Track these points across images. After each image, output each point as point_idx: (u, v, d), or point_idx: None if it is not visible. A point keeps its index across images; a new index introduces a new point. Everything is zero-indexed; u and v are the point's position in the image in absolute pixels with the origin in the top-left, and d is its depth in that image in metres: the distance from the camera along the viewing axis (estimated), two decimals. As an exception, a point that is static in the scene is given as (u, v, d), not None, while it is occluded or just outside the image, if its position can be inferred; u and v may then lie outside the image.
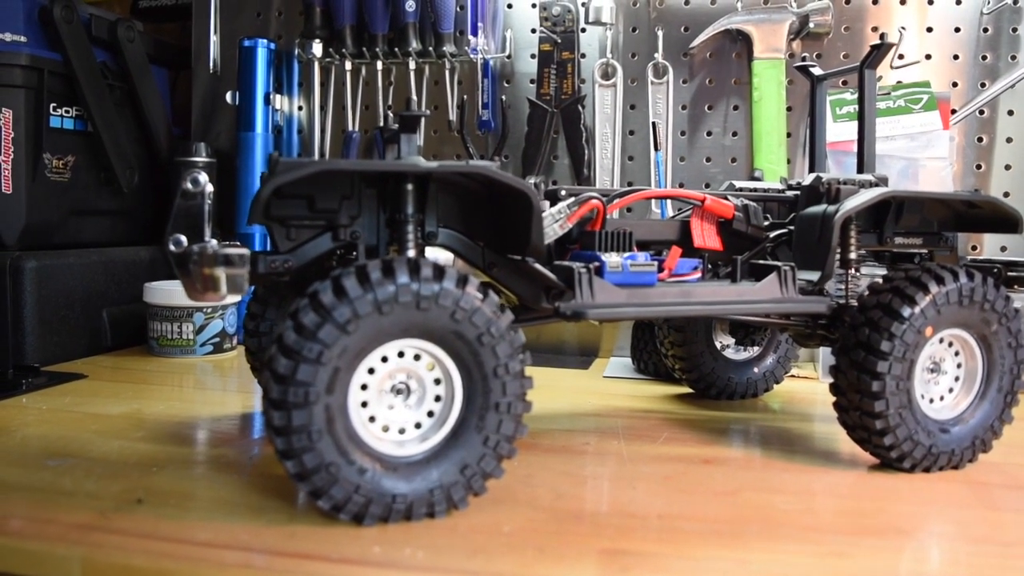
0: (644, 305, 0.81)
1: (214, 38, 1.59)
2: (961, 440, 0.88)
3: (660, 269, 0.86)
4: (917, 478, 0.85)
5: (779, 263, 0.88)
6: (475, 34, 1.47)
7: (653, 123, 1.35)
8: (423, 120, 0.84)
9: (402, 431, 0.72)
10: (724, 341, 1.20)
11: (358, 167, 0.71)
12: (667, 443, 0.97)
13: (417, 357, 0.72)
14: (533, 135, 1.49)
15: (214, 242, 0.79)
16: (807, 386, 1.30)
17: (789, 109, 1.41)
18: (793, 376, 1.32)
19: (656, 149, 1.34)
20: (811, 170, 1.10)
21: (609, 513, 0.74)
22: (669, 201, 1.34)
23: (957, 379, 0.90)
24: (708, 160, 1.46)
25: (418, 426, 0.73)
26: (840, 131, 1.33)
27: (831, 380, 0.88)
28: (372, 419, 0.71)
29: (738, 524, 0.72)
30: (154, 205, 1.60)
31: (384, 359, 0.71)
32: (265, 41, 1.55)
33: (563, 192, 0.92)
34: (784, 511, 0.75)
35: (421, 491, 0.70)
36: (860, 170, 1.02)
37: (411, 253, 0.80)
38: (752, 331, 1.16)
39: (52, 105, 1.36)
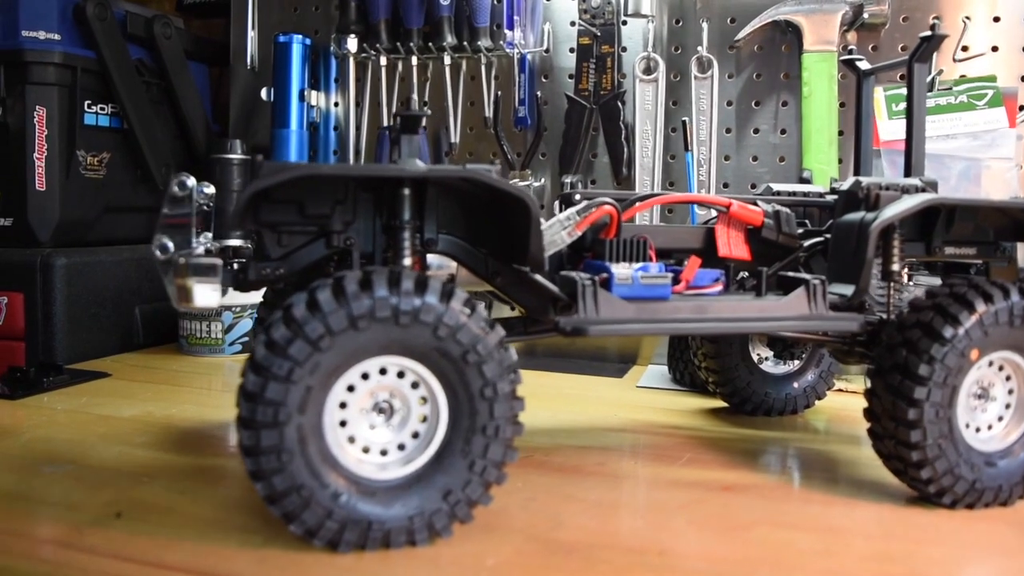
0: (654, 321, 0.75)
1: (252, 33, 1.58)
2: (1011, 475, 0.79)
3: (676, 281, 0.80)
4: (958, 516, 0.77)
5: (808, 276, 0.81)
6: (511, 28, 1.42)
7: (683, 122, 1.28)
8: (425, 119, 0.80)
9: (384, 452, 0.68)
10: (762, 353, 1.13)
11: (342, 172, 0.68)
12: (688, 465, 0.91)
13: (401, 375, 0.67)
14: (571, 132, 1.43)
15: (201, 249, 0.76)
16: (855, 402, 1.21)
17: (842, 105, 1.32)
18: (841, 391, 1.24)
19: (687, 149, 1.27)
20: (856, 172, 1.02)
21: (607, 547, 0.69)
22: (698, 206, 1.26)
23: (1008, 407, 0.82)
24: (754, 159, 1.38)
25: (402, 448, 0.68)
26: (897, 129, 1.23)
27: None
28: (352, 439, 0.67)
29: (745, 566, 0.66)
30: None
31: (365, 376, 0.66)
32: (300, 36, 1.53)
33: (577, 196, 0.86)
34: (800, 552, 0.69)
35: (400, 518, 0.66)
36: (907, 173, 0.93)
37: (407, 261, 0.75)
38: (791, 344, 1.09)
39: (87, 102, 1.36)
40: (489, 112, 1.47)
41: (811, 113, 1.29)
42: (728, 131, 1.39)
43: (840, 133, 1.31)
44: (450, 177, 0.70)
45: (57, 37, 1.31)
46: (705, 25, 1.37)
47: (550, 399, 1.19)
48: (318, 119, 1.57)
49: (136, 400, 1.10)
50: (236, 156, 1.52)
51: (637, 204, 0.84)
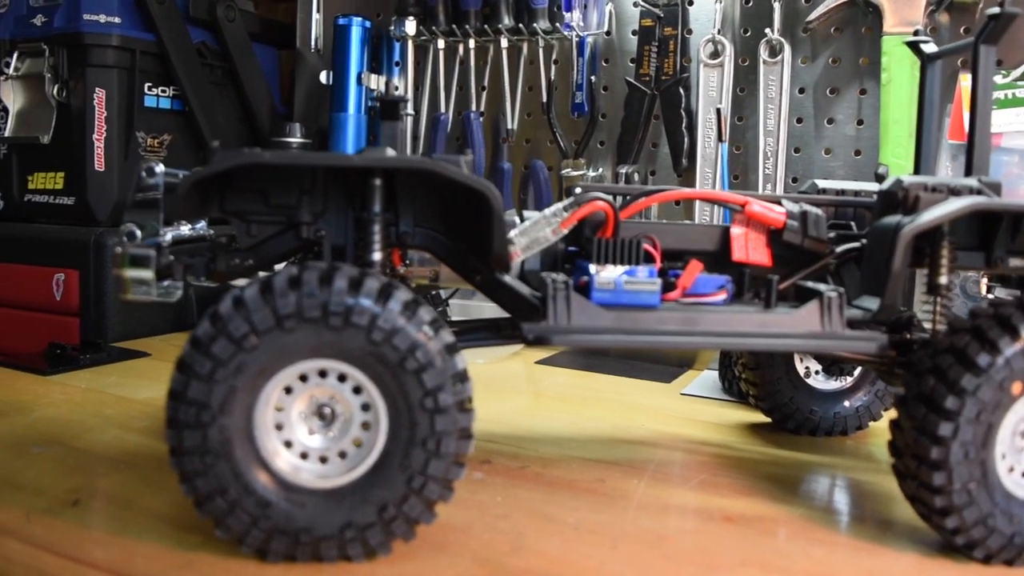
0: (633, 333, 0.68)
1: (317, 16, 1.57)
2: (1060, 530, 0.68)
3: (671, 287, 0.72)
4: (991, 573, 0.66)
5: (824, 287, 0.71)
6: (570, 9, 1.34)
7: (717, 110, 1.17)
8: (402, 105, 0.75)
9: (324, 460, 0.64)
10: (810, 366, 1.02)
11: (285, 161, 0.63)
12: (697, 488, 0.82)
13: (342, 378, 0.63)
14: (630, 120, 1.35)
15: (170, 236, 0.74)
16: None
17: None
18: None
19: (721, 140, 1.16)
20: (916, 170, 0.90)
21: (556, 579, 0.62)
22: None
23: (1064, 449, 0.70)
24: (827, 152, 1.26)
25: (343, 456, 0.64)
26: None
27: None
28: (288, 444, 0.63)
29: (704, 616, 0.58)
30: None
31: (303, 378, 0.62)
32: (360, 19, 1.50)
33: (578, 190, 0.79)
34: (776, 603, 0.60)
35: (330, 530, 0.61)
36: (968, 171, 0.81)
37: (376, 256, 0.71)
38: (839, 358, 0.98)
39: (147, 85, 1.38)
40: (545, 98, 1.40)
41: (890, 102, 1.16)
42: (799, 121, 1.27)
43: (924, 124, 1.18)
44: (400, 167, 0.65)
45: (117, 20, 1.33)
46: (777, 5, 1.25)
47: (578, 403, 1.13)
48: (377, 103, 1.54)
49: (158, 382, 1.10)
50: (295, 139, 1.53)
51: (639, 200, 0.76)
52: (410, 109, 1.50)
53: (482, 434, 0.97)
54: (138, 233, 0.74)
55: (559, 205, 0.73)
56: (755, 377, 1.01)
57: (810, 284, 0.74)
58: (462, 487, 0.78)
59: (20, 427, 0.90)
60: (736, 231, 0.78)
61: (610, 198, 0.74)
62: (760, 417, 1.07)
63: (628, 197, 0.78)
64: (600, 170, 1.40)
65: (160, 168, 0.76)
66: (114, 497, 0.73)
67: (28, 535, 0.65)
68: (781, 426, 1.02)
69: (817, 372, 1.02)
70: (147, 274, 0.63)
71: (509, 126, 1.44)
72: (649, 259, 0.75)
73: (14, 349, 1.34)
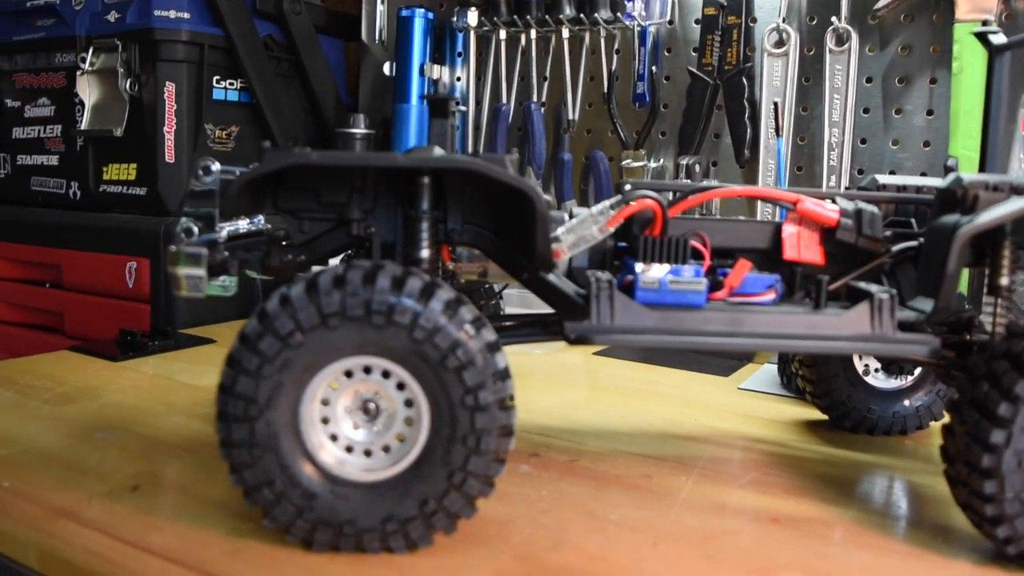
0: (677, 333, 0.67)
1: (381, 7, 1.59)
2: (1124, 544, 0.65)
3: (718, 287, 0.71)
4: (1046, 586, 0.64)
5: (875, 288, 0.70)
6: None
7: (774, 103, 1.14)
8: (452, 102, 0.75)
9: (368, 453, 0.65)
10: (870, 364, 1.00)
11: (331, 162, 0.65)
12: (746, 487, 0.82)
13: (386, 375, 0.64)
14: (692, 110, 1.33)
15: (226, 232, 0.76)
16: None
17: (998, 82, 1.13)
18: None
19: (778, 135, 1.13)
20: (981, 166, 0.87)
21: (593, 577, 0.63)
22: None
23: None
24: (895, 144, 1.22)
25: (387, 450, 0.65)
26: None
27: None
28: (334, 438, 0.65)
29: (742, 621, 0.58)
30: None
31: (348, 374, 0.64)
32: (423, 10, 1.51)
33: (627, 187, 0.79)
34: (818, 610, 0.60)
35: (373, 522, 0.63)
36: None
37: (425, 253, 0.72)
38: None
39: (215, 78, 1.42)
40: (606, 88, 1.39)
41: (961, 92, 1.12)
42: (866, 111, 1.24)
43: (998, 114, 1.13)
44: (445, 168, 0.66)
45: (186, 16, 1.37)
46: (844, -8, 1.22)
47: (634, 396, 1.12)
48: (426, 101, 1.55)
49: (223, 369, 1.14)
50: (359, 130, 1.55)
51: (689, 198, 0.75)
52: (461, 106, 1.50)
53: (533, 427, 0.98)
54: (195, 229, 0.77)
55: (606, 203, 0.73)
56: (812, 374, 0.99)
57: (862, 285, 0.72)
58: (508, 480, 0.80)
59: (88, 412, 0.94)
60: (788, 229, 0.76)
61: (658, 196, 0.73)
62: (817, 414, 1.05)
63: (678, 194, 0.77)
64: (661, 161, 1.38)
65: (216, 166, 0.78)
66: (173, 483, 0.76)
67: (89, 519, 0.68)
68: (838, 424, 1.00)
69: (876, 370, 1.00)
70: (199, 271, 0.66)
71: (570, 116, 1.43)
72: (698, 257, 0.75)
73: (89, 334, 1.40)
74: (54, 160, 1.53)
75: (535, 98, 1.46)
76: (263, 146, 0.72)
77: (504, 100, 1.48)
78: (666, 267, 0.70)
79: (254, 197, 0.72)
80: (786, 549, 0.69)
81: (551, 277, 0.70)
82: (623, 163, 1.37)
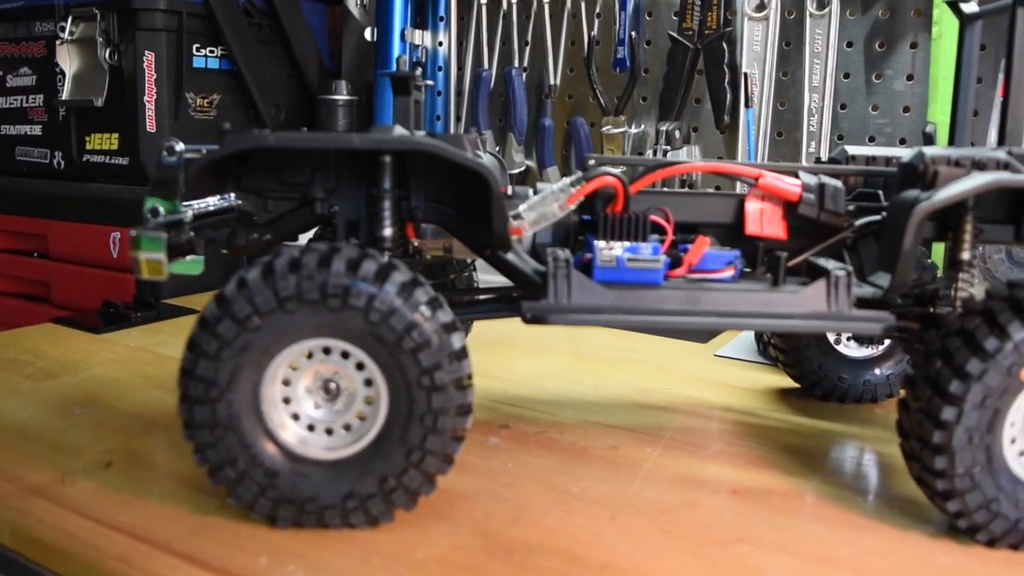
0: (634, 312, 0.68)
1: (362, -28, 1.57)
2: (1072, 516, 0.66)
3: (679, 263, 0.72)
4: (995, 558, 0.65)
5: (832, 265, 0.70)
6: (610, -40, 1.31)
7: (745, 74, 1.13)
8: (414, 80, 0.75)
9: (330, 432, 0.66)
10: (841, 333, 1.00)
11: (283, 144, 0.65)
12: (709, 458, 0.83)
13: (345, 355, 0.65)
14: (673, 76, 1.32)
15: (190, 213, 0.77)
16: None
17: (982, 48, 1.12)
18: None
19: (747, 106, 1.13)
20: (951, 141, 0.86)
21: (550, 552, 0.64)
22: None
23: (1083, 433, 0.68)
24: (875, 109, 1.22)
25: (348, 429, 0.66)
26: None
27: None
28: (296, 417, 0.66)
29: (688, 595, 0.59)
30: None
31: (308, 355, 0.65)
32: (403, -26, 1.50)
33: (591, 162, 0.79)
34: (766, 583, 0.61)
35: (334, 500, 0.64)
36: (1001, 140, 0.78)
37: (387, 232, 0.73)
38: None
39: (195, 46, 1.41)
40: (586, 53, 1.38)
41: (941, 58, 1.11)
42: (846, 76, 1.23)
43: (978, 81, 1.12)
44: (401, 149, 0.66)
45: (164, -17, 1.36)
46: (825, -46, 1.20)
47: (611, 364, 1.13)
48: (423, 59, 1.54)
49: (204, 340, 1.15)
50: (341, 97, 1.55)
51: (650, 174, 0.75)
52: (428, 80, 1.49)
53: (508, 397, 0.99)
54: (161, 210, 0.77)
55: (567, 180, 0.73)
56: (783, 343, 1.00)
57: (820, 261, 0.73)
58: (476, 453, 0.82)
59: (68, 387, 0.96)
60: (751, 204, 0.77)
61: (619, 172, 0.74)
62: (790, 382, 1.06)
63: (642, 169, 0.77)
64: (642, 127, 1.38)
65: (180, 146, 0.78)
66: (144, 459, 0.78)
67: (61, 497, 0.70)
68: (809, 393, 1.02)
69: (848, 339, 1.00)
70: (159, 255, 0.66)
71: (552, 82, 1.42)
72: (662, 232, 0.75)
73: (76, 304, 1.42)
74: (37, 130, 1.53)
75: (516, 63, 1.45)
76: (223, 127, 0.72)
77: (485, 65, 1.47)
78: (624, 245, 0.70)
79: (217, 178, 0.72)
80: (742, 522, 0.70)
81: (510, 256, 0.70)
82: (603, 129, 1.37)
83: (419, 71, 0.76)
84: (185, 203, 0.75)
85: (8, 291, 1.58)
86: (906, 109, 1.20)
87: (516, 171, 1.47)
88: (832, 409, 0.99)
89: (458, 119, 1.51)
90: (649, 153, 1.32)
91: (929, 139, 1.03)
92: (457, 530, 0.67)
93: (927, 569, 0.64)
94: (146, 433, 0.84)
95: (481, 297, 0.86)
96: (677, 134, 1.30)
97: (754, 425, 0.93)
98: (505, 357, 1.15)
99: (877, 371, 1.00)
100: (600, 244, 0.70)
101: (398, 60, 1.41)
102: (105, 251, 1.39)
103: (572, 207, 0.73)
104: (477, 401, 0.95)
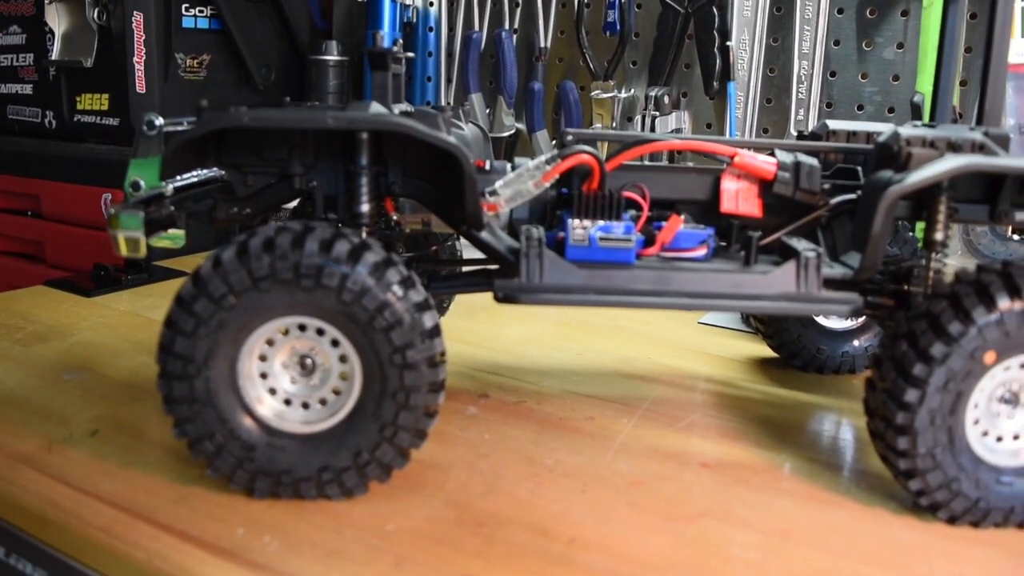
0: (605, 292, 0.69)
1: (353, -72, 1.55)
2: (1030, 495, 0.68)
3: (651, 242, 0.73)
4: (956, 535, 0.67)
5: (803, 246, 0.71)
6: (603, -79, 1.29)
7: (726, 47, 1.12)
8: (391, 54, 0.74)
9: (306, 406, 0.68)
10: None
11: (257, 124, 0.65)
12: (684, 430, 0.85)
13: (321, 332, 0.66)
14: (663, 40, 1.31)
15: (171, 187, 0.77)
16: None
17: (973, 17, 1.11)
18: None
19: (730, 79, 1.12)
20: (932, 115, 0.86)
21: (519, 524, 0.66)
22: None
23: (1044, 414, 0.69)
24: (864, 77, 1.21)
25: (323, 403, 0.68)
26: (1031, 49, 1.03)
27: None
28: (273, 391, 0.68)
29: (653, 571, 0.61)
30: (293, 100, 1.62)
31: (285, 331, 0.66)
32: (395, -68, 1.48)
33: (569, 137, 0.79)
34: (727, 559, 0.63)
35: (309, 472, 0.66)
36: (979, 120, 0.78)
37: (365, 207, 0.73)
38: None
39: (184, 6, 1.40)
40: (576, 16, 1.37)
41: (931, 26, 1.10)
42: (836, 43, 1.22)
43: (968, 50, 1.11)
44: (372, 128, 0.66)
45: (151, -59, 1.34)
46: (818, -83, 1.19)
47: (594, 332, 1.14)
48: (414, 19, 1.53)
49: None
50: (331, 57, 1.54)
51: (625, 151, 0.75)
52: (445, 25, 1.48)
53: (490, 365, 1.01)
54: (142, 183, 0.78)
55: (541, 158, 0.74)
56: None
57: (792, 242, 0.73)
58: (454, 423, 0.83)
59: (58, 352, 0.97)
60: (727, 182, 0.77)
61: (595, 150, 0.74)
62: (770, 352, 1.07)
63: (621, 146, 0.77)
64: (632, 91, 1.37)
65: (160, 120, 0.79)
66: (129, 427, 0.80)
67: (47, 465, 0.72)
68: (789, 363, 1.03)
69: (828, 310, 1.01)
70: (136, 234, 0.67)
71: (542, 44, 1.41)
72: (638, 209, 0.76)
73: (70, 264, 1.43)
74: (28, 89, 1.53)
75: (507, 25, 1.44)
76: (200, 105, 0.72)
77: (476, 27, 1.45)
78: (598, 223, 0.71)
79: (196, 154, 0.73)
80: (709, 496, 0.72)
81: (484, 235, 0.71)
82: (592, 94, 1.36)
83: (399, 44, 0.76)
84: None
85: (4, 250, 1.59)
86: (895, 77, 1.19)
87: (506, 134, 1.46)
88: (811, 380, 1.01)
89: (449, 81, 1.50)
90: (638, 119, 1.31)
91: (917, 109, 1.03)
92: (430, 502, 0.69)
93: (887, 546, 0.65)
94: (133, 400, 0.86)
95: (465, 269, 0.87)
96: (666, 99, 1.30)
97: (732, 396, 0.94)
98: (491, 323, 1.16)
99: (856, 343, 1.01)
100: (574, 223, 0.71)
101: (374, 35, 1.40)
102: (97, 212, 1.39)
103: (547, 185, 0.73)
104: (459, 369, 0.99)
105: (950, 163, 0.67)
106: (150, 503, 0.66)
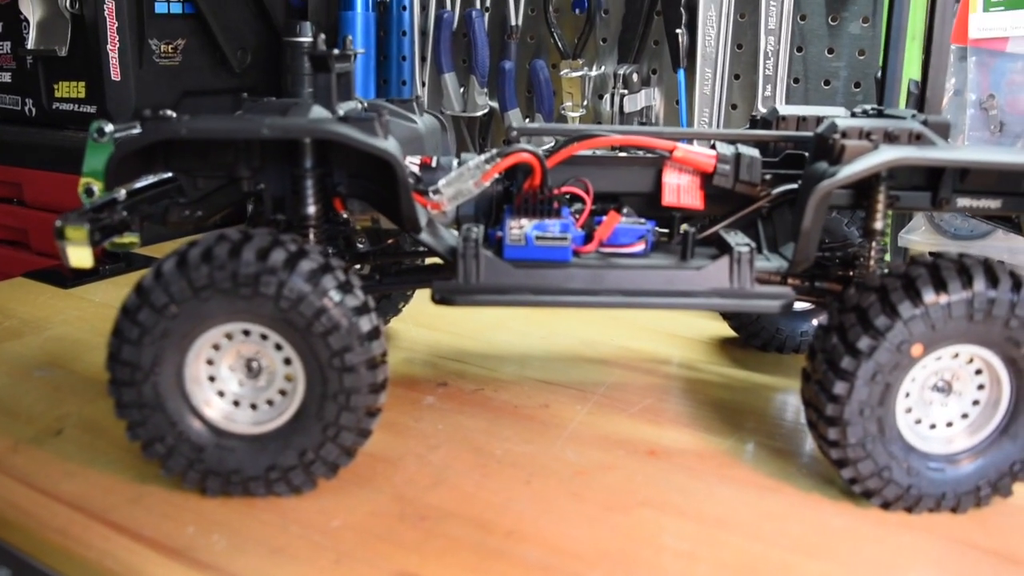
0: (540, 292, 0.70)
1: (327, -95, 1.54)
2: (960, 482, 0.70)
3: (589, 239, 0.74)
4: (891, 520, 0.69)
5: (736, 241, 0.72)
6: None
7: (676, 33, 1.12)
8: (334, 57, 0.75)
9: (253, 407, 0.70)
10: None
11: (194, 135, 0.66)
12: (636, 416, 0.86)
13: (264, 336, 0.68)
14: (631, 16, 1.30)
15: (123, 192, 0.79)
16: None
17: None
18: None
19: (679, 66, 1.11)
20: (879, 101, 0.86)
21: (461, 518, 0.68)
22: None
23: (976, 403, 0.71)
24: (831, 52, 1.20)
25: (270, 404, 0.70)
26: (992, 23, 1.02)
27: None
28: (221, 394, 0.70)
29: (585, 563, 0.63)
30: (271, 82, 1.62)
31: (229, 336, 0.68)
32: (364, -89, 1.47)
33: (513, 132, 0.80)
34: (658, 549, 0.65)
35: (257, 471, 0.68)
36: (920, 107, 0.79)
37: (311, 208, 0.75)
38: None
39: (156, -9, 1.40)
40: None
41: None
42: (803, 18, 1.21)
43: (932, 24, 1.10)
44: (303, 136, 0.68)
45: (120, -72, 1.34)
46: None
47: (559, 316, 1.14)
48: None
49: (168, 294, 1.19)
50: (305, 39, 1.53)
51: (564, 148, 0.76)
52: (418, 5, 1.47)
53: (452, 352, 1.03)
54: (95, 188, 0.80)
55: (481, 157, 0.75)
56: (724, 296, 1.02)
57: (728, 236, 0.74)
58: (409, 414, 0.85)
59: (32, 348, 1.00)
60: (668, 175, 0.78)
61: (536, 148, 0.75)
62: (731, 332, 1.08)
63: (561, 140, 0.78)
64: (602, 69, 1.37)
65: (110, 127, 0.80)
66: (94, 425, 0.82)
67: (10, 466, 0.74)
68: (748, 343, 1.04)
69: (789, 290, 1.02)
70: (83, 245, 0.69)
71: (513, 22, 1.41)
72: (581, 203, 0.77)
73: (53, 251, 1.44)
74: (7, 77, 1.53)
75: (478, 5, 1.43)
76: (142, 114, 0.73)
77: (448, 7, 1.45)
78: (535, 222, 0.72)
79: (144, 161, 0.74)
80: (651, 485, 0.74)
81: (423, 236, 0.72)
82: (562, 73, 1.36)
83: (349, 40, 0.76)
84: (117, 182, 0.77)
85: (-11, 237, 1.62)
86: (861, 52, 1.18)
87: (480, 113, 1.46)
88: (770, 360, 1.02)
89: (423, 59, 1.50)
90: (607, 97, 1.31)
91: (880, 85, 1.03)
92: (377, 496, 0.71)
93: (819, 533, 0.67)
94: (100, 396, 0.87)
95: (418, 263, 0.89)
96: (635, 77, 1.29)
97: (688, 379, 0.96)
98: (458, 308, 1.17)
99: (815, 322, 1.02)
100: (511, 222, 0.72)
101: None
102: (79, 200, 1.41)
103: (487, 184, 0.74)
104: (422, 357, 1.00)
105: (881, 157, 0.67)
106: (107, 503, 0.69)
